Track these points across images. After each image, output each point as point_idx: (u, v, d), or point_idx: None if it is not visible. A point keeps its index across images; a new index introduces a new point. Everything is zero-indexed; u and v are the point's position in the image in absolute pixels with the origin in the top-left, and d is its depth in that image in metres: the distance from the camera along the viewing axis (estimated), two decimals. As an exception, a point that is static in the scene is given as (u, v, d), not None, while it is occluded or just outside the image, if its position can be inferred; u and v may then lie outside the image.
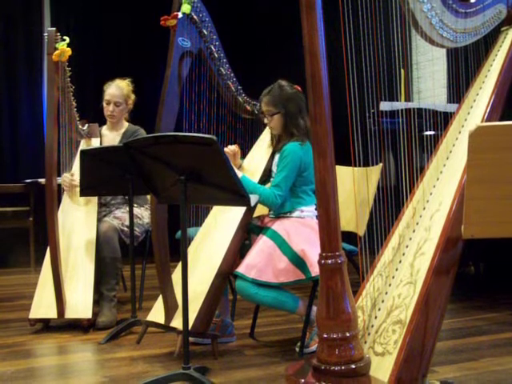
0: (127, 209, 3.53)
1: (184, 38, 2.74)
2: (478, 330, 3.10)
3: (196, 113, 2.84)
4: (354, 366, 1.79)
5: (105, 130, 3.79)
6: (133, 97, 3.75)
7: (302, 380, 1.86)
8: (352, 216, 2.93)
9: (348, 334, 1.80)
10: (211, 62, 2.95)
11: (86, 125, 3.68)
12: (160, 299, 2.80)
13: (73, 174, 3.55)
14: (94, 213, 3.54)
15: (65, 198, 3.62)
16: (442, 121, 2.93)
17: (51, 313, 3.24)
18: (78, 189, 3.44)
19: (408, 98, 4.79)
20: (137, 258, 3.32)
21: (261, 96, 2.95)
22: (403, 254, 2.20)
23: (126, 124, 3.80)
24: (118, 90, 3.66)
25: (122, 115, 3.74)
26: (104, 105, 3.67)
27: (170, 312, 2.72)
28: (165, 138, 2.29)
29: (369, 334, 2.01)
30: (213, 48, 2.91)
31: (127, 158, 2.40)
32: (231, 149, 3.08)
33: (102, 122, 3.79)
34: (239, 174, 2.88)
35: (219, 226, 3.01)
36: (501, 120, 2.57)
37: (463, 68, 2.76)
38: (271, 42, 6.46)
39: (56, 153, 3.25)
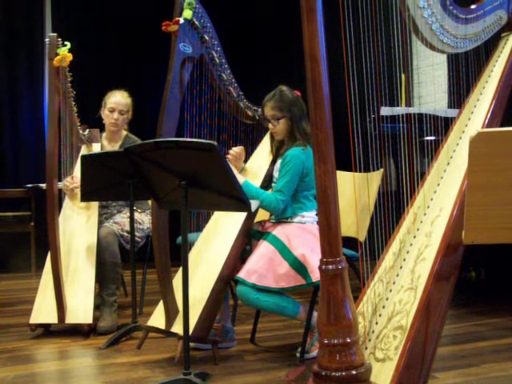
0: (127, 214, 3.53)
1: (185, 43, 2.74)
2: (479, 335, 3.10)
3: (197, 118, 2.84)
4: (354, 372, 1.79)
5: (104, 140, 3.79)
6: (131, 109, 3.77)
7: (303, 386, 1.86)
8: (353, 221, 2.93)
9: (349, 340, 1.79)
10: (212, 68, 2.95)
11: (87, 130, 3.68)
12: (161, 304, 2.80)
13: (74, 177, 3.55)
14: (94, 218, 3.54)
15: (66, 203, 3.62)
16: (442, 126, 2.93)
17: (52, 318, 3.23)
18: (78, 191, 3.45)
19: (408, 103, 4.79)
20: (137, 263, 3.32)
21: (264, 101, 2.95)
22: (404, 260, 2.20)
23: (124, 134, 3.79)
24: (123, 98, 3.67)
25: (124, 125, 3.74)
26: (107, 113, 3.66)
27: (170, 317, 2.72)
28: (165, 143, 2.29)
29: (369, 340, 2.01)
30: (214, 53, 2.91)
31: (128, 163, 2.40)
32: (236, 151, 3.07)
33: (103, 128, 3.79)
34: (242, 178, 2.88)
35: (220, 231, 3.01)
36: (501, 126, 2.58)
37: (464, 73, 2.76)
38: (272, 47, 6.46)
39: (57, 158, 3.25)
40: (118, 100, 3.66)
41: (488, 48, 2.83)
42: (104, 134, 3.80)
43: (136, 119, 3.89)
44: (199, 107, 2.84)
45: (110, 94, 3.71)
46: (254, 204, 2.64)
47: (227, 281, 2.85)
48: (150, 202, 3.61)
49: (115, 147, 3.73)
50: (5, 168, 6.00)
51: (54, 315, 3.22)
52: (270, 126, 2.95)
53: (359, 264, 2.23)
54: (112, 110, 3.65)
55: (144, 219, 3.71)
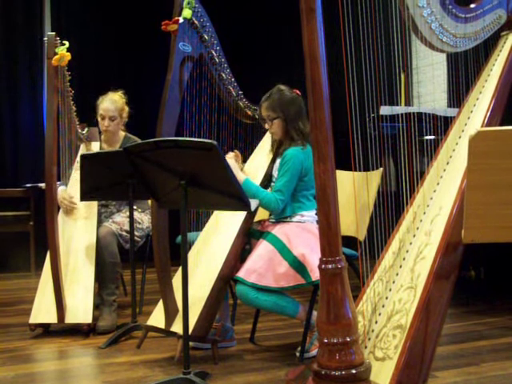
0: (127, 213, 3.53)
1: (185, 42, 2.74)
2: (479, 334, 3.10)
3: (197, 117, 2.84)
4: (354, 371, 1.79)
5: (103, 143, 3.77)
6: (127, 109, 3.70)
7: (303, 385, 1.86)
8: (352, 221, 2.93)
9: (348, 339, 1.80)
10: (212, 67, 2.95)
11: (86, 129, 3.68)
12: (160, 304, 2.80)
13: (72, 197, 3.54)
14: (93, 217, 3.54)
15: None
16: (442, 125, 2.94)
17: (51, 318, 3.23)
18: (74, 210, 3.51)
19: (408, 103, 4.79)
20: (137, 263, 3.32)
21: (261, 101, 2.96)
22: (403, 259, 2.20)
23: (121, 135, 3.77)
24: (111, 104, 3.62)
25: (118, 128, 3.72)
26: (99, 119, 3.66)
27: (170, 316, 2.72)
28: (165, 142, 2.29)
29: (369, 339, 2.01)
30: (214, 53, 2.91)
31: (128, 162, 2.40)
32: (229, 156, 3.07)
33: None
34: (243, 176, 2.88)
35: (220, 230, 3.01)
36: (501, 125, 2.58)
37: (463, 72, 2.76)
38: (271, 46, 6.46)
39: (56, 157, 3.25)
40: (105, 107, 3.61)
41: (487, 47, 2.83)
42: (103, 137, 3.79)
43: (135, 119, 3.88)
44: (199, 106, 2.84)
45: (100, 99, 3.66)
46: (253, 203, 2.64)
47: (227, 280, 2.85)
48: (149, 201, 3.61)
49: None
50: (4, 167, 6.00)
51: (54, 315, 3.22)
52: (267, 125, 2.95)
53: (359, 263, 2.23)
54: (102, 118, 3.63)
55: (143, 219, 3.71)
